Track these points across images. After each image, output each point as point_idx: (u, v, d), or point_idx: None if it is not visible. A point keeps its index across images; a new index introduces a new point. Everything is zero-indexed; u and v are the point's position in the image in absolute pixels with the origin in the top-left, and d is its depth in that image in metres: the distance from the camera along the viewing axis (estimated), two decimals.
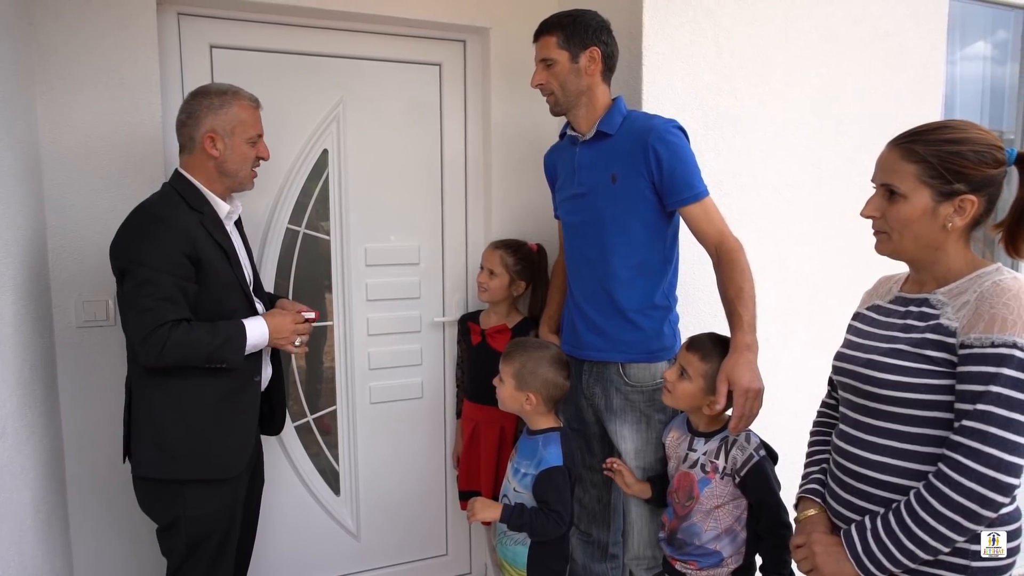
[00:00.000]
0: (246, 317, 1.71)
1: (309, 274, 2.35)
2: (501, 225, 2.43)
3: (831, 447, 1.35)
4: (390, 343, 2.44)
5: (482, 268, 2.23)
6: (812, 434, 1.48)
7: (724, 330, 1.66)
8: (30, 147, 1.80)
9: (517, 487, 1.78)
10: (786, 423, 1.81)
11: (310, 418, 2.39)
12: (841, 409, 1.33)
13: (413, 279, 2.45)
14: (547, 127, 2.41)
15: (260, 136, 1.76)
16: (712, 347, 1.62)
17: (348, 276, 2.36)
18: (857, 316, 1.40)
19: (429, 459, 2.55)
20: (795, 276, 2.32)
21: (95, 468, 2.00)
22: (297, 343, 1.78)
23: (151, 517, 1.72)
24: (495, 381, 1.83)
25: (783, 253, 2.29)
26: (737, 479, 1.57)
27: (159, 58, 1.98)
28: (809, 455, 1.44)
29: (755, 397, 1.52)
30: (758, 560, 1.61)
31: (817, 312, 2.35)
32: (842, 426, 1.31)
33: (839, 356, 1.35)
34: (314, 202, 2.32)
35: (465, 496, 2.28)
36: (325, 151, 2.31)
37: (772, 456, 1.60)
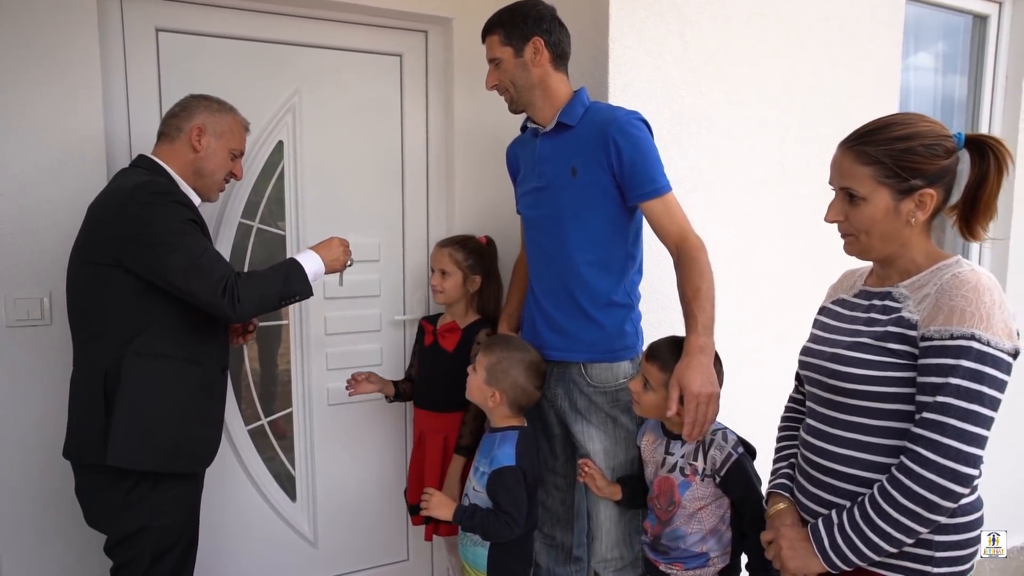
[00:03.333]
0: None
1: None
2: (464, 221, 2.36)
3: (799, 441, 1.32)
4: (349, 342, 2.36)
5: (433, 271, 2.13)
6: (780, 429, 1.46)
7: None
8: None
9: (476, 486, 1.73)
10: (754, 421, 1.79)
11: (264, 421, 2.29)
12: (807, 403, 1.31)
13: (372, 276, 2.37)
14: (511, 121, 2.33)
15: (242, 154, 1.80)
16: (670, 354, 1.57)
17: None
18: (822, 310, 1.38)
19: (389, 462, 2.47)
20: (760, 273, 2.31)
21: (28, 477, 1.87)
22: (349, 263, 1.80)
23: (104, 529, 1.62)
24: (469, 368, 1.77)
25: (748, 250, 2.28)
26: (718, 479, 1.53)
27: (99, 40, 1.87)
28: (778, 450, 1.42)
29: (708, 401, 1.46)
30: (744, 559, 1.58)
31: (782, 308, 2.35)
32: (808, 420, 1.29)
33: (805, 351, 1.33)
34: (268, 196, 2.22)
35: (414, 511, 2.17)
36: (280, 143, 2.21)
37: (751, 452, 1.58)
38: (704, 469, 1.55)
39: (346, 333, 2.35)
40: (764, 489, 1.39)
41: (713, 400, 1.47)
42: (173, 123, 1.69)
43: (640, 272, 1.82)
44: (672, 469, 1.59)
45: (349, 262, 1.79)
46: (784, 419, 1.46)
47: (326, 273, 1.74)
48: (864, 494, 1.13)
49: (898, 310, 1.16)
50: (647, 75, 2.04)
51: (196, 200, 1.71)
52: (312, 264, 1.69)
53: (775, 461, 1.41)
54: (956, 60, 2.91)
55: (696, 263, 1.60)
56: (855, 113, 2.40)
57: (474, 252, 2.12)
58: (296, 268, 1.66)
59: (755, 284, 2.30)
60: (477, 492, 1.70)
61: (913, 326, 1.12)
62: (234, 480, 2.24)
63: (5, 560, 1.87)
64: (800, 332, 2.37)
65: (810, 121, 2.34)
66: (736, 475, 1.52)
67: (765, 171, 2.29)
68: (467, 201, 2.38)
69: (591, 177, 1.68)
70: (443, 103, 2.40)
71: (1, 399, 1.84)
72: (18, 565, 1.89)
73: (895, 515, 1.07)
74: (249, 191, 2.19)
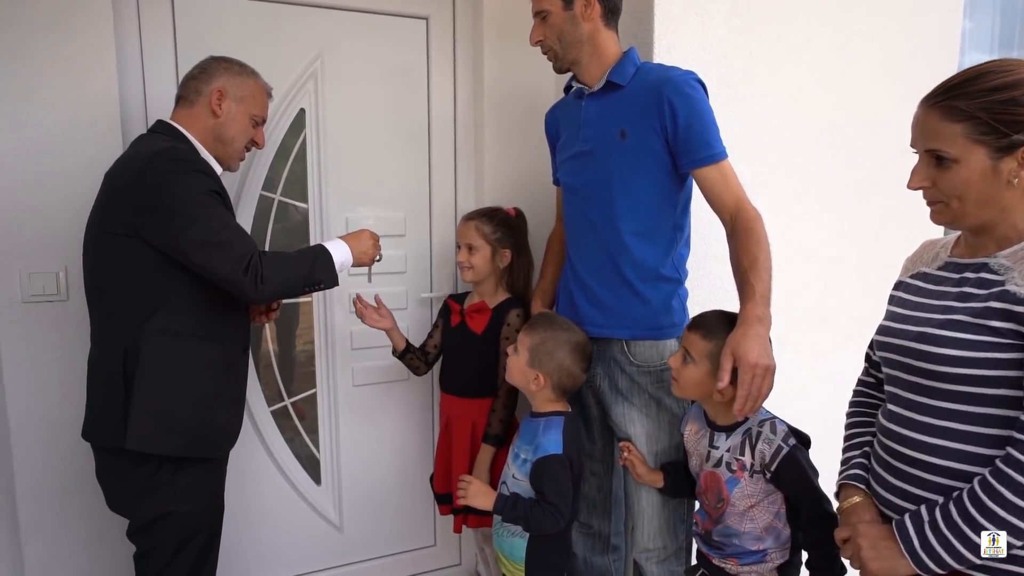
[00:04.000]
0: None
1: (285, 246, 2.15)
2: (493, 194, 2.25)
3: (877, 429, 1.20)
4: None
5: (459, 246, 1.99)
6: (850, 415, 1.33)
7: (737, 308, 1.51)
8: None
9: (516, 474, 1.63)
10: (799, 405, 1.68)
11: (287, 402, 2.21)
12: (888, 388, 1.19)
13: (398, 252, 2.27)
14: (545, 87, 2.24)
15: (264, 121, 1.71)
16: (717, 324, 1.45)
17: None
18: (900, 285, 1.25)
19: (416, 444, 2.38)
20: (805, 249, 2.18)
21: (48, 458, 1.81)
22: (378, 258, 1.73)
23: (126, 514, 1.54)
24: (508, 349, 1.67)
25: (793, 223, 2.14)
26: (768, 474, 1.41)
27: (112, 1, 1.76)
28: (848, 438, 1.30)
29: (764, 375, 1.33)
30: (805, 555, 1.47)
31: (833, 285, 2.22)
32: (890, 406, 1.17)
33: (883, 330, 1.20)
34: (290, 167, 2.12)
35: (442, 500, 2.08)
36: (302, 110, 2.10)
37: (804, 442, 1.45)
38: (752, 464, 1.43)
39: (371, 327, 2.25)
40: (835, 480, 1.28)
41: (769, 374, 1.34)
42: (192, 86, 1.60)
43: (688, 246, 1.70)
44: (718, 464, 1.48)
45: (378, 257, 1.73)
46: (854, 404, 1.34)
47: (353, 265, 1.66)
48: (959, 488, 1.02)
49: (1000, 283, 1.03)
50: (694, 35, 1.90)
51: (217, 169, 1.62)
52: (340, 253, 1.61)
53: (846, 450, 1.29)
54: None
55: (753, 233, 1.48)
56: (913, 74, 2.25)
57: (503, 224, 1.98)
58: (324, 255, 1.57)
59: (803, 259, 2.16)
60: (518, 480, 1.61)
61: (1021, 301, 0.99)
62: (258, 463, 2.16)
63: (28, 543, 1.81)
64: (844, 312, 2.27)
65: (864, 84, 2.18)
66: (789, 469, 1.39)
67: (814, 140, 2.15)
68: (497, 172, 2.26)
69: (641, 140, 1.55)
70: (472, 69, 2.27)
71: (19, 378, 1.76)
72: (41, 547, 1.83)
73: (1002, 514, 0.95)
74: (270, 162, 2.08)
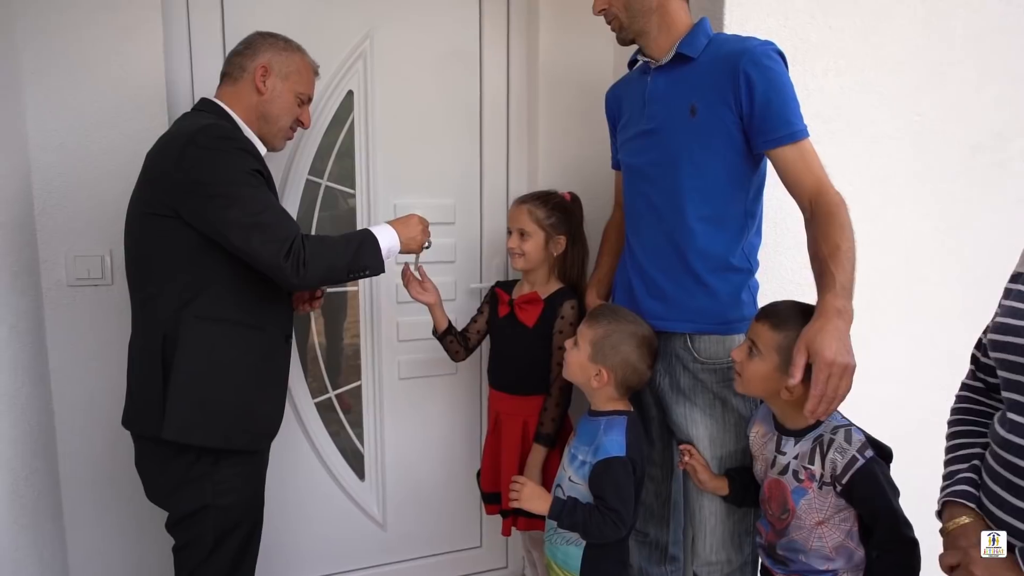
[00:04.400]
0: None
1: (332, 232, 2.09)
2: (548, 179, 2.13)
3: (991, 440, 1.05)
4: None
5: (510, 232, 1.87)
6: (954, 423, 1.18)
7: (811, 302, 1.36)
8: (9, 71, 1.55)
9: (573, 476, 1.52)
10: (874, 411, 1.52)
11: (332, 394, 2.15)
12: (1006, 395, 1.03)
13: (447, 240, 2.18)
14: (603, 66, 2.12)
15: (310, 100, 1.63)
16: (790, 314, 1.31)
17: None
18: (1019, 277, 1.09)
19: (463, 441, 2.29)
20: (885, 240, 2.00)
21: (91, 444, 1.78)
22: (427, 245, 1.65)
23: (164, 506, 1.50)
24: (567, 343, 1.56)
25: (873, 212, 1.96)
26: (839, 488, 1.26)
27: None
28: (952, 449, 1.14)
29: (842, 374, 1.18)
30: None
31: (909, 283, 2.04)
32: (1010, 415, 1.01)
33: (1000, 328, 1.04)
34: (337, 152, 2.05)
35: (490, 499, 1.97)
36: (350, 92, 2.03)
37: (884, 455, 1.29)
38: (822, 475, 1.28)
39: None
40: (938, 498, 1.12)
41: (848, 373, 1.19)
42: (236, 62, 1.53)
43: (759, 235, 1.56)
44: (784, 471, 1.34)
45: (427, 244, 1.64)
46: (959, 411, 1.18)
47: (401, 252, 1.57)
48: None
49: None
50: (768, 6, 1.75)
51: (261, 149, 1.55)
52: (387, 239, 1.53)
53: (949, 462, 1.14)
54: None
55: (836, 218, 1.33)
56: (1005, 56, 2.05)
57: (557, 209, 1.84)
58: (370, 240, 1.49)
59: (884, 252, 1.98)
60: (575, 484, 1.49)
61: None
62: (301, 456, 2.11)
63: (71, 529, 1.78)
64: (928, 309, 2.08)
65: (953, 62, 1.99)
66: (863, 485, 1.24)
67: (899, 122, 1.97)
68: (552, 156, 2.15)
69: (713, 117, 1.42)
70: (526, 47, 2.17)
71: (64, 363, 1.74)
72: (81, 536, 1.80)
73: None
74: (317, 145, 2.02)
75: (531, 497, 1.47)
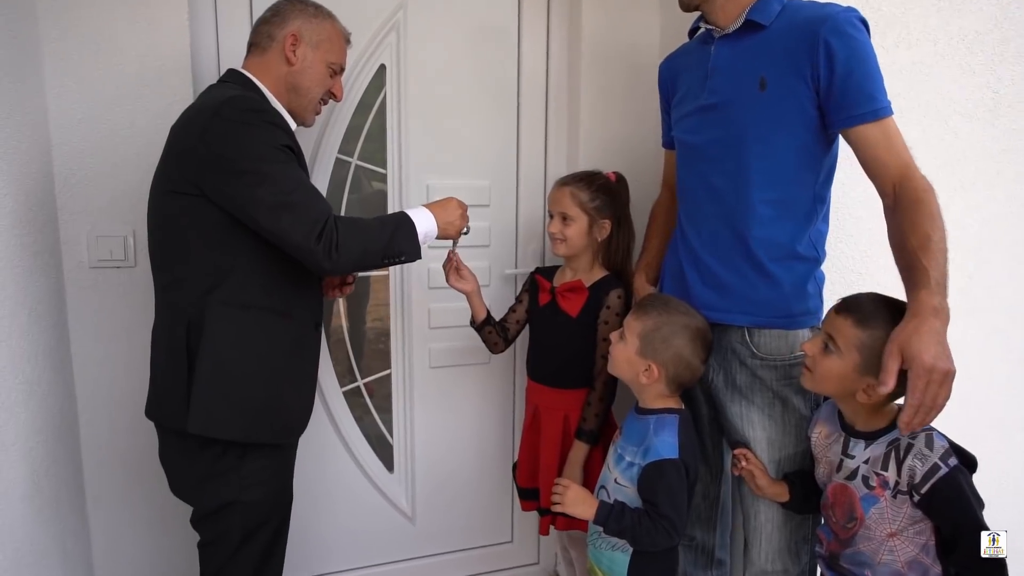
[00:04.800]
0: None
1: (362, 214, 2.00)
2: (589, 160, 2.01)
3: None
4: (453, 298, 2.06)
5: (551, 216, 1.75)
6: None
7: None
8: (28, 44, 1.47)
9: (619, 478, 1.42)
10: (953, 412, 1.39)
11: (360, 382, 2.07)
12: None
13: (482, 224, 2.08)
14: (648, 40, 2.00)
15: (342, 70, 1.53)
16: (876, 310, 1.18)
17: None
18: None
19: (495, 433, 2.20)
20: (956, 227, 1.84)
21: (115, 433, 1.72)
22: (465, 231, 1.56)
23: (189, 500, 1.43)
24: (613, 335, 1.45)
25: (946, 197, 1.79)
26: (916, 497, 1.15)
27: None
28: None
29: (942, 381, 1.06)
30: None
31: (976, 274, 1.89)
32: None
33: None
34: (368, 129, 1.95)
35: (526, 495, 1.88)
36: (382, 67, 1.93)
37: (968, 464, 1.17)
38: (897, 483, 1.16)
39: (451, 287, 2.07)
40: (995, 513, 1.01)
41: (948, 381, 1.07)
42: (264, 30, 1.44)
43: (827, 221, 1.43)
44: (851, 476, 1.22)
45: (465, 229, 1.55)
46: None
47: (438, 237, 1.47)
48: None
49: None
50: None
51: (292, 124, 1.46)
52: (425, 223, 1.43)
53: None
54: None
55: (925, 206, 1.20)
56: None
57: (602, 191, 1.71)
58: (406, 224, 1.40)
59: (959, 246, 1.83)
60: (621, 487, 1.40)
61: None
62: (327, 446, 2.04)
63: (94, 517, 1.73)
64: (995, 302, 1.93)
65: None
66: (946, 495, 1.12)
67: (973, 99, 1.81)
68: (594, 136, 2.03)
69: (786, 91, 1.29)
70: (568, 19, 2.04)
71: (87, 348, 1.67)
72: (105, 530, 1.75)
73: None
74: (348, 122, 1.92)
75: (575, 501, 1.38)
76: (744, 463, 1.39)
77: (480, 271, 2.08)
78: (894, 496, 1.17)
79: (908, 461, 1.15)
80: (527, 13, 2.02)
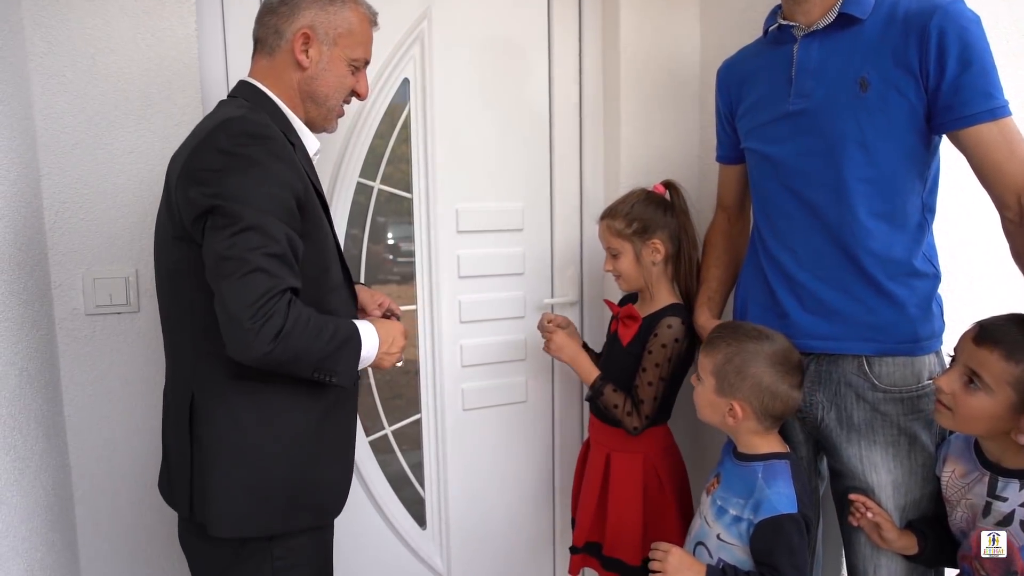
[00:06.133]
0: (347, 298, 1.20)
1: (386, 244, 1.82)
2: (631, 177, 1.87)
3: None
4: (487, 332, 1.90)
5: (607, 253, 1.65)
6: None
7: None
8: (14, 60, 1.25)
9: (723, 534, 1.24)
10: None
11: (388, 430, 1.85)
12: None
13: (515, 250, 1.90)
14: (689, 49, 1.87)
15: (366, 64, 1.27)
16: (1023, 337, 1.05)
17: (435, 246, 1.81)
18: None
19: (535, 479, 2.01)
20: None
21: (115, 506, 1.47)
22: (399, 363, 1.27)
23: None
24: (692, 379, 1.29)
25: None
26: None
27: None
28: None
29: None
30: None
31: None
32: None
33: None
34: (391, 149, 1.77)
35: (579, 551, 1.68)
36: (406, 81, 1.75)
37: None
38: None
39: (484, 321, 1.89)
40: None
41: None
42: (271, 24, 1.18)
43: (932, 233, 1.30)
44: (1007, 522, 1.07)
45: (399, 362, 1.27)
46: None
47: (371, 366, 1.21)
48: None
49: None
50: None
51: (312, 144, 1.24)
52: (369, 347, 1.16)
53: None
54: None
55: None
56: None
57: (637, 209, 1.57)
58: (354, 341, 1.14)
59: None
60: (727, 544, 1.22)
61: None
62: (352, 502, 1.77)
63: None
64: None
65: None
66: None
67: None
68: (636, 151, 1.88)
69: (891, 91, 1.16)
70: (601, 31, 1.90)
71: (81, 411, 1.43)
72: None
73: None
74: (369, 143, 1.74)
75: (679, 568, 1.19)
76: (870, 515, 1.22)
77: (513, 302, 1.92)
78: None
79: None
80: (557, 25, 1.87)
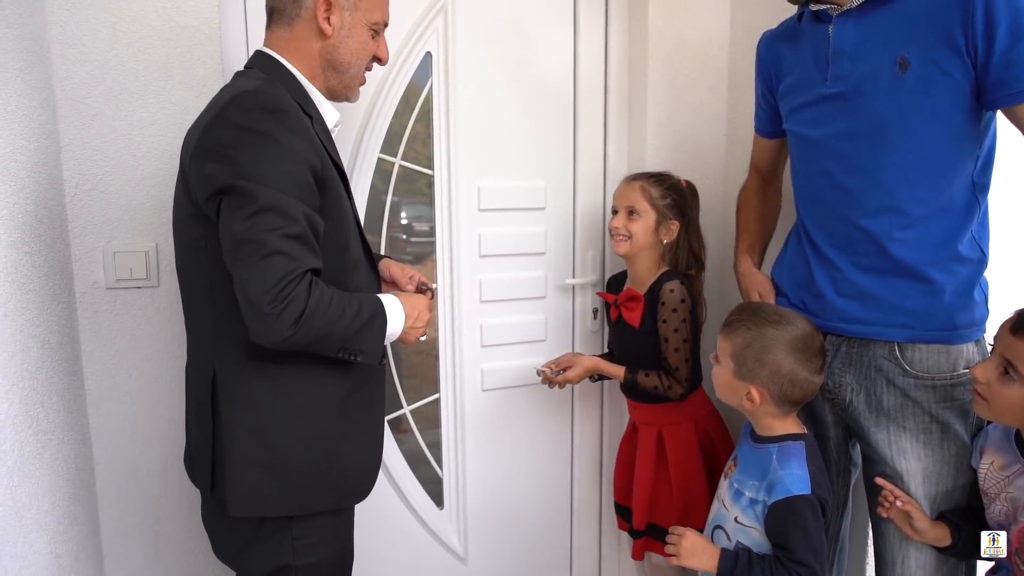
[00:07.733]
0: (369, 275, 1.18)
1: (406, 222, 1.80)
2: (657, 157, 1.83)
3: None
4: (507, 312, 1.88)
5: (615, 211, 1.63)
6: None
7: None
8: (34, 28, 1.23)
9: (740, 517, 1.22)
10: None
11: (406, 410, 1.84)
12: None
13: (537, 229, 1.87)
14: (718, 27, 1.83)
15: (385, 26, 1.23)
16: None
17: (456, 224, 1.78)
18: None
19: (552, 461, 1.99)
20: None
21: (136, 482, 1.47)
22: (423, 337, 1.26)
23: (234, 566, 1.21)
24: (711, 358, 1.28)
25: None
26: None
27: None
28: None
29: None
30: None
31: None
32: None
33: None
34: (413, 125, 1.74)
35: (622, 512, 1.75)
36: (428, 55, 1.72)
37: None
38: None
39: (504, 300, 1.87)
40: None
41: None
42: None
43: (987, 213, 1.25)
44: None
45: (423, 337, 1.26)
46: None
47: (397, 341, 1.19)
48: None
49: None
50: None
51: (331, 115, 1.20)
52: (395, 319, 1.15)
53: None
54: None
55: None
56: None
57: (674, 190, 1.61)
58: (380, 317, 1.12)
59: None
60: (744, 527, 1.20)
61: None
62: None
63: None
64: None
65: None
66: None
67: None
68: (663, 131, 1.84)
69: (933, 70, 1.12)
70: (628, 7, 1.86)
71: (102, 384, 1.42)
72: None
73: None
74: (390, 118, 1.70)
75: (692, 552, 1.19)
76: (900, 503, 1.20)
77: (535, 282, 1.89)
78: None
79: None
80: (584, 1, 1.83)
